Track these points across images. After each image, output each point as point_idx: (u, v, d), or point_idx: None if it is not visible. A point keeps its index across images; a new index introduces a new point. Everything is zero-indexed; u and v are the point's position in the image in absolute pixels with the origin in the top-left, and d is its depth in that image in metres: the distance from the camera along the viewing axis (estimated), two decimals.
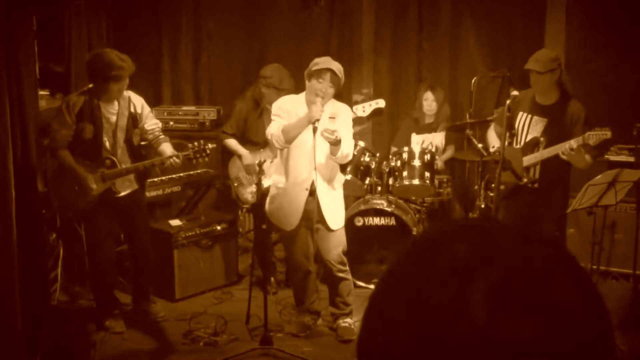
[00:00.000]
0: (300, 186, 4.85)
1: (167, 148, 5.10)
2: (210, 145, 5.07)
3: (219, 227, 6.05)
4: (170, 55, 7.63)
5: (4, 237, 4.24)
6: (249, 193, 5.85)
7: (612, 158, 6.16)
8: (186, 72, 7.65)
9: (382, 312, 0.78)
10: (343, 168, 5.51)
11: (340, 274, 5.09)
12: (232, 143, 5.86)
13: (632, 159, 5.94)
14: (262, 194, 5.03)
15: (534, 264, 0.75)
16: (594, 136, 4.76)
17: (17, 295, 4.33)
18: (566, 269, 0.77)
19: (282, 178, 4.94)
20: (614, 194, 4.95)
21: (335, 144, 4.64)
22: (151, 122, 5.20)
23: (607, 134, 4.76)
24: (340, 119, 4.83)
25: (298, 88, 6.37)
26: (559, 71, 4.95)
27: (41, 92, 5.57)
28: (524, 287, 0.72)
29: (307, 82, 4.78)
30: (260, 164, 4.96)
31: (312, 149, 4.71)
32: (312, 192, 4.85)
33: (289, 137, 4.74)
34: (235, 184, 5.92)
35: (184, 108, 7.12)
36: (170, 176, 6.23)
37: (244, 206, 6.06)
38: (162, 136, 5.23)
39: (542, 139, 4.99)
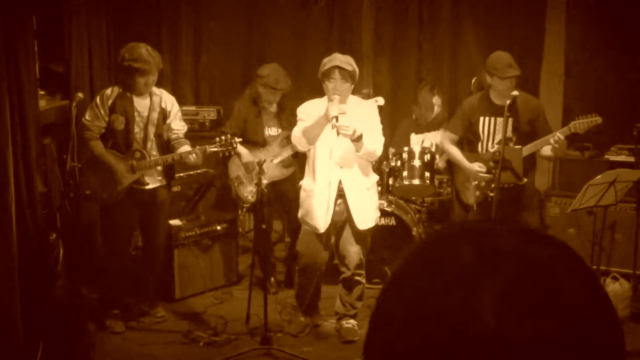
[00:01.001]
0: (328, 188, 4.83)
1: (185, 149, 5.20)
2: (237, 139, 5.20)
3: (219, 227, 6.05)
4: (170, 56, 7.62)
5: (4, 237, 4.24)
6: (249, 192, 5.84)
7: (612, 158, 6.16)
8: (186, 72, 7.65)
9: (389, 318, 0.78)
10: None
11: (357, 277, 5.08)
12: None
13: (632, 159, 5.94)
14: (262, 193, 5.04)
15: (540, 265, 0.74)
16: (582, 124, 4.82)
17: (17, 295, 4.33)
18: (573, 268, 0.76)
19: (311, 180, 4.94)
20: (614, 193, 4.96)
21: (357, 140, 4.62)
22: (178, 123, 5.32)
23: (596, 119, 4.81)
24: (360, 115, 4.79)
25: (296, 88, 6.38)
26: None
27: (41, 92, 5.56)
28: (531, 289, 0.72)
29: (323, 85, 4.78)
30: (260, 164, 4.96)
31: (335, 149, 4.74)
32: (341, 194, 4.84)
33: (310, 137, 4.76)
34: (236, 184, 5.91)
35: (184, 108, 7.07)
36: None
37: (244, 205, 6.06)
38: (184, 139, 5.34)
39: (513, 137, 5.05)
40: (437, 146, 6.38)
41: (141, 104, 5.15)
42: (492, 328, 0.69)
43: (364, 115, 4.82)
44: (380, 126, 4.93)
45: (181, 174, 6.31)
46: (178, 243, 5.77)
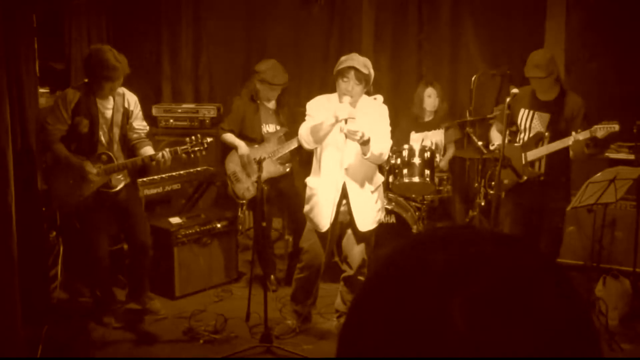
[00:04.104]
0: (332, 187, 4.79)
1: (149, 151, 5.10)
2: (208, 139, 5.10)
3: (218, 225, 6.05)
4: (170, 54, 7.63)
5: (4, 236, 4.24)
6: (245, 188, 5.84)
7: (612, 156, 6.16)
8: (186, 70, 7.66)
9: (362, 323, 0.78)
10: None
11: (360, 277, 5.06)
12: (229, 137, 5.86)
13: (632, 157, 5.94)
14: (261, 191, 5.03)
15: (514, 272, 0.74)
16: (602, 129, 4.83)
17: (17, 293, 4.34)
18: (547, 276, 0.76)
19: (316, 179, 4.90)
20: (614, 191, 4.96)
21: (364, 143, 4.55)
22: (140, 123, 5.21)
23: (614, 127, 4.83)
24: (370, 117, 4.73)
25: (295, 86, 6.39)
26: (557, 69, 5.03)
27: (41, 90, 5.57)
28: (503, 295, 0.71)
29: (336, 82, 4.72)
30: (259, 161, 4.94)
31: (342, 150, 4.70)
32: (345, 195, 4.82)
33: (317, 137, 4.70)
34: (232, 180, 5.91)
35: (184, 106, 7.12)
36: (170, 174, 6.23)
37: (241, 202, 6.06)
38: (147, 140, 5.23)
39: (546, 133, 5.06)
40: (437, 145, 6.38)
41: (105, 105, 5.02)
42: (463, 335, 0.69)
43: (373, 117, 4.76)
44: (389, 129, 4.87)
45: (181, 172, 6.33)
46: (178, 241, 5.77)
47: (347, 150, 4.71)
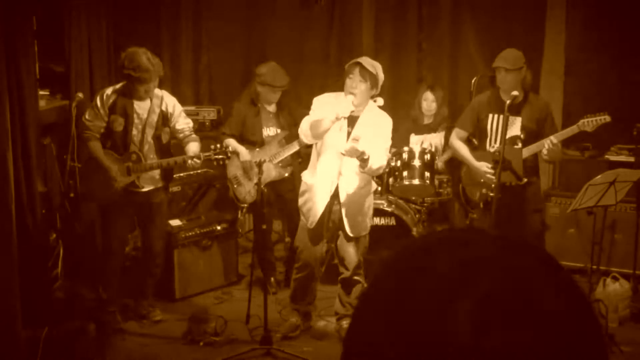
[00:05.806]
0: (325, 188, 4.82)
1: (192, 147, 5.18)
2: (231, 148, 5.23)
3: (219, 227, 6.05)
4: (170, 55, 7.62)
5: (4, 237, 4.24)
6: (246, 192, 5.84)
7: (612, 158, 6.16)
8: (186, 72, 7.65)
9: (366, 327, 0.77)
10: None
11: (356, 277, 5.07)
12: (231, 142, 5.85)
13: (632, 159, 5.94)
14: (261, 194, 5.04)
15: (517, 274, 0.74)
16: (591, 122, 4.85)
17: (17, 294, 4.34)
18: (549, 276, 0.76)
19: (311, 174, 4.93)
20: (614, 194, 4.96)
21: (363, 161, 4.59)
22: (182, 122, 5.29)
23: (604, 118, 4.84)
24: (372, 131, 4.75)
25: (295, 88, 6.38)
26: (525, 69, 5.17)
27: (41, 92, 5.57)
28: (508, 298, 0.71)
29: (344, 82, 4.76)
30: (259, 164, 4.95)
31: (341, 157, 4.70)
32: (336, 197, 4.83)
33: (316, 132, 4.71)
34: (234, 184, 5.91)
35: (184, 108, 7.09)
36: None
37: (242, 205, 6.06)
38: (192, 135, 5.32)
39: (522, 135, 5.12)
40: (436, 148, 6.37)
41: (141, 106, 5.13)
42: (468, 339, 0.69)
43: (376, 131, 4.78)
44: (389, 144, 4.92)
45: (181, 174, 6.32)
46: (178, 243, 5.77)
47: (346, 159, 4.72)
